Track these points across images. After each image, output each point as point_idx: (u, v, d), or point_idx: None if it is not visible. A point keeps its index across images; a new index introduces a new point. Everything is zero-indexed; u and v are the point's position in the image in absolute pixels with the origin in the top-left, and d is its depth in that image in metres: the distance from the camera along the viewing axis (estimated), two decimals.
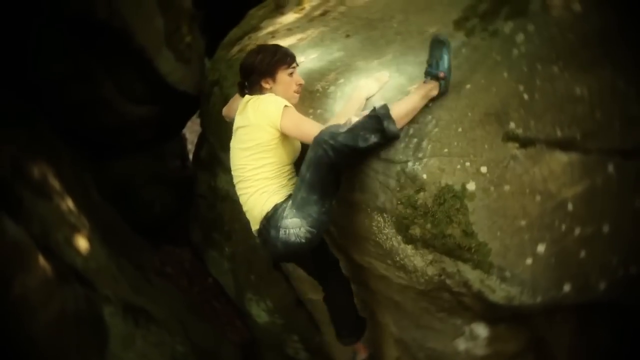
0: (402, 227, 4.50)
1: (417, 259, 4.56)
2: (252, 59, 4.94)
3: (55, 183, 6.37)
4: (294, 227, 4.50)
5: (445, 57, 4.44)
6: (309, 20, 6.22)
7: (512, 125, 4.38)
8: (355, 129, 4.35)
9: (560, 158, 4.44)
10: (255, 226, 4.85)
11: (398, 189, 4.45)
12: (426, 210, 4.35)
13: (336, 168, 4.42)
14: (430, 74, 4.45)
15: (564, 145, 4.47)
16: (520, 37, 4.62)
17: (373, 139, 4.38)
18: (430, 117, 4.46)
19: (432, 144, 4.36)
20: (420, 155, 4.37)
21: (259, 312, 7.32)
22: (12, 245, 4.95)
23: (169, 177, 10.30)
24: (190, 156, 10.87)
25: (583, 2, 4.68)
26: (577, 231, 4.45)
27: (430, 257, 4.51)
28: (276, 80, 4.90)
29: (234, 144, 4.90)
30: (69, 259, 5.81)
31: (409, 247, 4.55)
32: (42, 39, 7.01)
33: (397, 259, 4.69)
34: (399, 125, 4.45)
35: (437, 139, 4.36)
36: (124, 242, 7.56)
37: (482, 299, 4.50)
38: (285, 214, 4.53)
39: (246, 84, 4.97)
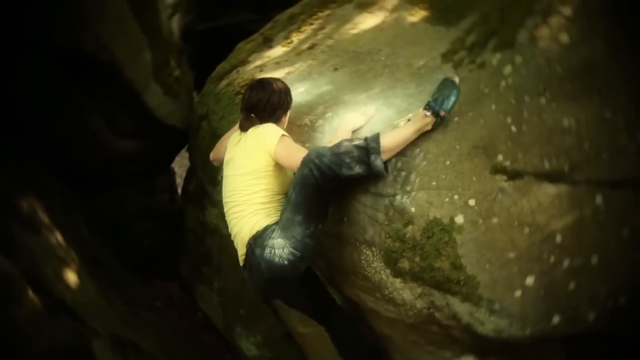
0: (391, 261, 4.50)
1: (405, 292, 4.56)
2: (278, 95, 5.00)
3: (44, 217, 6.36)
4: (278, 247, 4.46)
5: (452, 99, 4.46)
6: (297, 54, 6.24)
7: (500, 157, 4.39)
8: (341, 154, 4.38)
9: (549, 190, 4.44)
10: (242, 250, 4.77)
11: (386, 222, 4.46)
12: (415, 244, 4.35)
13: (322, 190, 4.43)
14: (433, 108, 4.45)
15: (552, 177, 4.47)
16: (507, 69, 4.63)
17: (357, 169, 4.39)
18: (418, 150, 4.47)
19: (420, 177, 4.38)
20: (408, 188, 4.38)
21: (249, 346, 7.28)
22: (1, 279, 4.93)
23: (158, 212, 10.27)
24: (179, 190, 10.85)
25: (570, 33, 4.69)
26: (566, 263, 4.44)
27: (419, 290, 4.50)
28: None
29: (229, 172, 4.92)
30: (58, 293, 5.78)
31: (398, 280, 4.55)
32: (29, 74, 7.00)
33: (386, 292, 4.68)
34: (387, 155, 4.46)
35: (425, 172, 4.38)
36: (113, 276, 7.54)
37: (471, 332, 4.48)
38: (272, 235, 4.51)
39: (251, 117, 4.97)
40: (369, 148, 4.40)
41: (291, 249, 4.45)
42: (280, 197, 4.81)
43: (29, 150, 7.26)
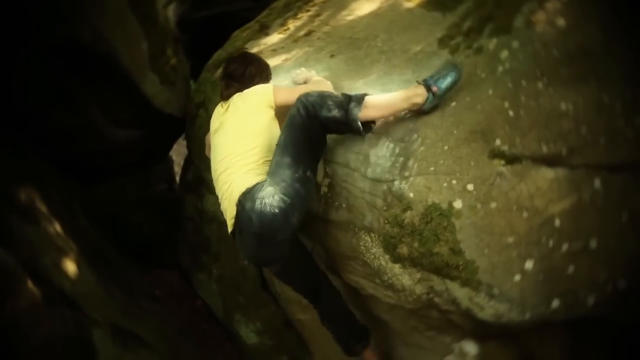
0: (390, 246, 4.50)
1: (405, 277, 4.56)
2: (257, 64, 5.33)
3: (42, 207, 6.35)
4: (268, 196, 4.41)
5: (449, 80, 4.47)
6: (293, 41, 6.23)
7: (497, 142, 4.39)
8: (326, 97, 4.50)
9: (547, 174, 4.44)
10: (232, 212, 4.71)
11: (385, 208, 4.46)
12: (413, 229, 4.35)
13: (309, 131, 4.51)
14: (426, 82, 4.46)
15: (550, 161, 4.47)
16: (504, 54, 4.62)
17: (335, 112, 4.45)
18: (415, 135, 4.47)
19: (418, 163, 4.37)
20: (406, 174, 4.38)
21: (248, 334, 7.29)
22: (0, 269, 4.93)
23: (156, 200, 10.27)
24: (177, 179, 10.85)
25: (567, 17, 4.69)
26: (565, 247, 4.44)
27: (418, 275, 4.51)
28: None
29: (218, 139, 4.99)
30: (57, 283, 5.78)
31: (397, 266, 4.55)
32: (27, 65, 6.99)
33: (385, 278, 4.68)
34: (369, 112, 4.48)
35: (423, 158, 4.37)
36: (112, 266, 7.54)
37: (471, 317, 4.49)
38: (262, 187, 4.48)
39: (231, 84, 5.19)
40: (352, 97, 4.47)
41: (281, 195, 4.40)
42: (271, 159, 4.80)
43: (27, 141, 7.26)
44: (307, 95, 4.51)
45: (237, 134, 4.83)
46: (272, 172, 4.52)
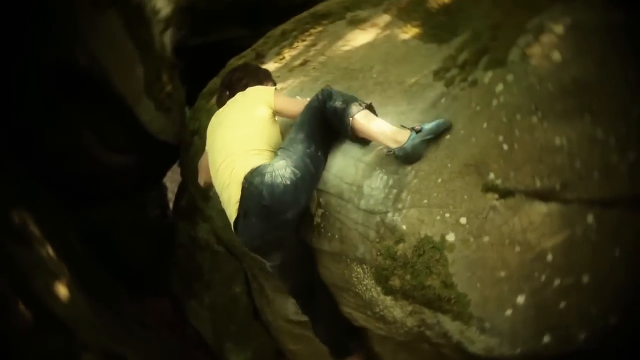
0: (382, 278, 4.50)
1: (396, 310, 4.56)
2: (255, 70, 5.70)
3: (35, 230, 6.33)
4: (279, 168, 4.50)
5: (435, 123, 4.55)
6: (289, 70, 6.24)
7: (491, 175, 4.39)
8: (341, 93, 4.78)
9: (540, 208, 4.44)
10: (235, 196, 4.72)
11: (377, 239, 4.46)
12: (406, 261, 4.35)
13: (323, 115, 4.72)
14: (413, 127, 4.52)
15: (544, 195, 4.47)
16: (499, 87, 4.62)
17: (338, 104, 4.66)
18: (409, 167, 4.49)
19: (411, 195, 4.38)
20: (399, 206, 4.39)
21: None
22: None
23: (149, 226, 10.23)
24: (171, 205, 10.83)
25: (562, 51, 4.69)
26: (557, 282, 4.43)
27: (409, 308, 4.50)
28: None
29: (217, 134, 5.13)
30: (48, 307, 5.76)
31: (389, 298, 4.55)
32: (20, 87, 6.99)
33: (377, 309, 4.69)
34: (363, 122, 4.63)
35: (416, 190, 4.39)
36: (104, 291, 7.51)
37: (462, 350, 4.47)
38: (272, 163, 4.59)
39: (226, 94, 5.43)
40: (359, 100, 4.71)
41: (292, 168, 4.51)
42: (272, 152, 4.87)
43: (21, 163, 7.25)
44: (329, 86, 4.82)
45: (238, 124, 4.96)
46: (285, 146, 4.69)
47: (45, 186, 7.63)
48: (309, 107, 4.81)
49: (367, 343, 5.56)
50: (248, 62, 6.29)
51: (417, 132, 4.45)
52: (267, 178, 4.48)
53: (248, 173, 4.61)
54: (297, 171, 4.51)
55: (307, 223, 5.03)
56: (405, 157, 4.47)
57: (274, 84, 5.66)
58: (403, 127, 4.56)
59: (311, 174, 4.66)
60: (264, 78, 5.56)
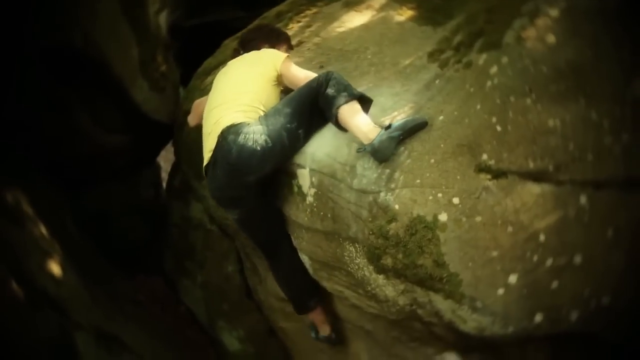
0: (374, 257, 4.50)
1: (388, 288, 4.57)
2: (269, 30, 5.83)
3: (29, 210, 6.34)
4: (255, 132, 4.65)
5: (407, 119, 4.55)
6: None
7: (484, 156, 4.39)
8: (341, 80, 4.75)
9: (533, 189, 4.45)
10: (212, 142, 4.89)
11: (370, 219, 4.46)
12: (398, 241, 4.35)
13: (316, 95, 4.75)
14: (385, 125, 4.51)
15: (537, 176, 4.48)
16: (493, 69, 4.63)
17: (330, 90, 4.70)
18: (402, 148, 4.48)
19: (404, 175, 4.38)
20: (392, 186, 4.38)
21: (231, 341, 7.28)
22: None
23: (143, 206, 10.24)
24: (164, 185, 10.82)
25: (557, 34, 4.71)
26: (549, 262, 4.44)
27: (401, 287, 4.51)
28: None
29: (221, 79, 5.32)
30: (41, 286, 5.77)
31: (381, 277, 4.56)
32: (18, 70, 6.98)
33: (369, 288, 4.70)
34: (347, 113, 4.63)
35: (409, 170, 4.38)
36: (97, 270, 7.51)
37: (454, 329, 4.49)
38: (251, 125, 4.72)
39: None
40: (352, 92, 4.69)
41: (266, 137, 4.64)
42: (262, 112, 4.94)
43: (15, 144, 7.24)
44: (332, 71, 4.82)
45: (239, 77, 5.12)
46: (268, 114, 4.79)
47: (41, 167, 7.63)
48: (307, 86, 4.83)
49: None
50: (262, 24, 6.43)
51: (386, 129, 4.44)
52: (240, 138, 4.63)
53: (226, 127, 4.76)
54: (269, 141, 4.63)
55: (287, 195, 5.14)
56: (374, 153, 4.44)
57: (291, 48, 5.78)
58: (380, 125, 4.56)
59: (283, 147, 4.75)
60: (277, 41, 5.62)
